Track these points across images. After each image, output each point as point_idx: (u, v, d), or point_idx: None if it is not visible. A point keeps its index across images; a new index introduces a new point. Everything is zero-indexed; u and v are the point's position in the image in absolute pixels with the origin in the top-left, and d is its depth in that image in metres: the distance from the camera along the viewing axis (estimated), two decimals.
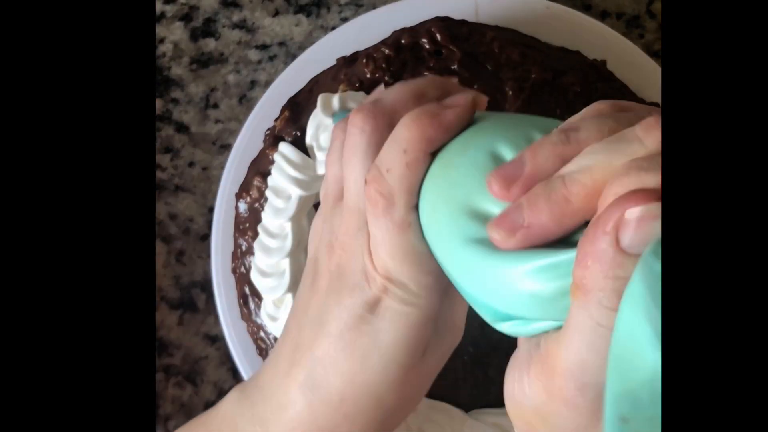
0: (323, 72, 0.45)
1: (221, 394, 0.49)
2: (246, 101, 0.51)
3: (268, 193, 0.43)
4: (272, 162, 0.43)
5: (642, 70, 0.47)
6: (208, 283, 0.49)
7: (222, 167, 0.48)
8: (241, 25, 0.52)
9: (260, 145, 0.45)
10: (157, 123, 0.51)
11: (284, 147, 0.43)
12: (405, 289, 0.30)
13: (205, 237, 0.50)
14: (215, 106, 0.51)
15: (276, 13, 0.52)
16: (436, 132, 0.30)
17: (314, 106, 0.42)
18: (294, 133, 0.44)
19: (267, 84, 0.50)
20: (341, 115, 0.38)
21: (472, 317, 0.30)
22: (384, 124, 0.31)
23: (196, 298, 0.50)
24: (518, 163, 0.26)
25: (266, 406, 0.33)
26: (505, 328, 0.26)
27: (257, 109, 0.47)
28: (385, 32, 0.45)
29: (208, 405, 0.49)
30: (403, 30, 0.45)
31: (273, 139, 0.44)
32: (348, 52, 0.45)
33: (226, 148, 0.50)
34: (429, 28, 0.44)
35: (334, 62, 0.45)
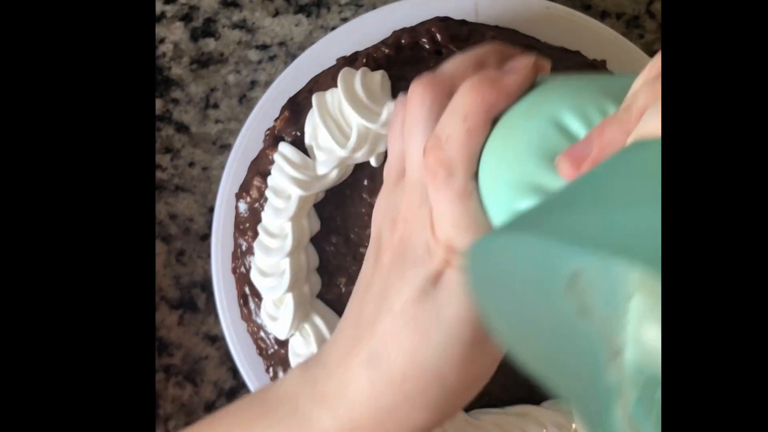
0: (323, 72, 0.45)
1: (221, 394, 0.50)
2: (246, 101, 0.51)
3: (268, 193, 0.43)
4: (272, 162, 0.43)
5: (642, 70, 0.47)
6: (208, 283, 0.49)
7: (222, 167, 0.48)
8: (241, 26, 0.52)
9: (260, 145, 0.45)
10: (158, 123, 0.51)
11: (284, 147, 0.43)
12: None
13: (205, 237, 0.50)
14: (215, 106, 0.51)
15: (276, 14, 0.52)
16: (496, 98, 0.29)
17: None
18: (294, 133, 0.44)
19: (267, 84, 0.50)
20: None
21: None
22: (444, 95, 0.31)
23: (196, 298, 0.50)
24: (587, 143, 0.26)
25: (328, 384, 0.32)
26: None
27: (257, 109, 0.47)
28: (385, 32, 0.45)
29: (209, 405, 0.49)
30: (403, 30, 0.45)
31: (273, 139, 0.44)
32: (348, 52, 0.45)
33: (226, 148, 0.50)
34: (429, 28, 0.44)
35: (334, 62, 0.45)
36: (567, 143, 0.27)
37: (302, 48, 0.50)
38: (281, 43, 0.52)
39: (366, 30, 0.47)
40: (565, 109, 0.27)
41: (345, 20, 0.51)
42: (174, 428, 0.49)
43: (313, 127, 0.42)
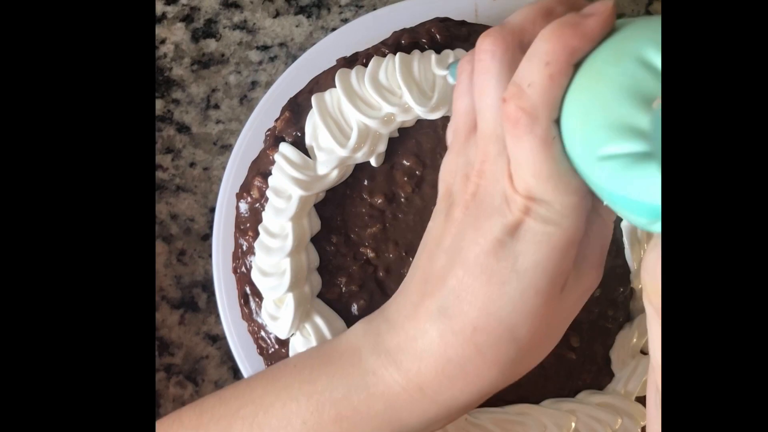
0: (324, 72, 0.46)
1: None
2: (247, 102, 0.51)
3: (268, 193, 0.43)
4: (273, 162, 0.43)
5: None
6: (209, 283, 0.49)
7: (223, 167, 0.48)
8: (241, 26, 0.52)
9: (261, 146, 0.46)
10: (159, 123, 0.51)
11: (285, 147, 0.43)
12: (549, 207, 0.29)
13: (206, 237, 0.50)
14: (216, 106, 0.51)
15: (276, 14, 0.52)
16: (579, 42, 0.28)
17: None
18: (294, 133, 0.44)
19: (268, 85, 0.51)
20: (455, 64, 0.37)
21: None
22: (515, 45, 0.30)
23: (197, 297, 0.50)
24: None
25: (394, 337, 0.32)
26: (659, 227, 0.26)
27: (258, 109, 0.47)
28: (385, 33, 0.45)
29: None
30: (403, 30, 0.45)
31: (273, 139, 0.44)
32: (348, 53, 0.45)
33: (227, 148, 0.51)
34: (429, 28, 0.44)
35: (334, 63, 0.45)
36: (658, 82, 0.26)
37: (303, 49, 0.51)
38: (282, 44, 0.52)
39: (366, 31, 0.47)
40: (653, 49, 0.27)
41: (345, 21, 0.51)
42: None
43: (314, 127, 0.43)
